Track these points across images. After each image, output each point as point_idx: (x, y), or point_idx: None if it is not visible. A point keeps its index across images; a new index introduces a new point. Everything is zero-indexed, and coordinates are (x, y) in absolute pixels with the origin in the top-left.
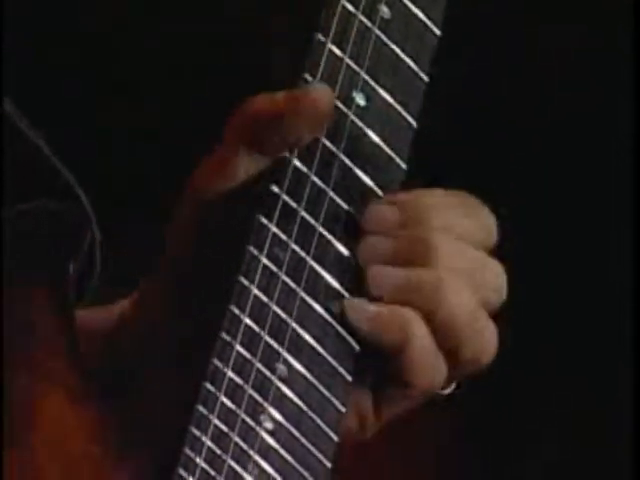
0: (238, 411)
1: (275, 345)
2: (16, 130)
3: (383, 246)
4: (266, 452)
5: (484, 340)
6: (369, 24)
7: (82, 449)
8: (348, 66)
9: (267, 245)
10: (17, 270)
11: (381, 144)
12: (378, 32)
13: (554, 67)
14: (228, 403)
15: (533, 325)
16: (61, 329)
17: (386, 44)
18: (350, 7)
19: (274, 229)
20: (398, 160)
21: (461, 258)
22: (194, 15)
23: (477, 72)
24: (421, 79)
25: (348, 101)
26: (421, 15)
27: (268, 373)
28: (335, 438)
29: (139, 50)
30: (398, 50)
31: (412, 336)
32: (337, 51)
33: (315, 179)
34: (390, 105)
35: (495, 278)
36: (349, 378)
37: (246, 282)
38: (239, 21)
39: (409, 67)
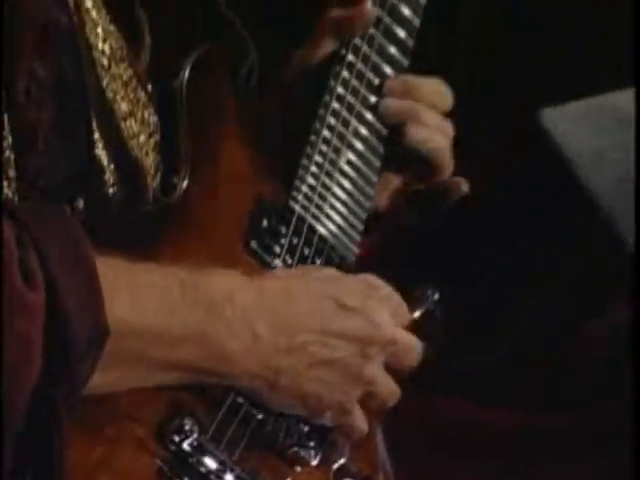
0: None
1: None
2: None
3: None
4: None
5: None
6: None
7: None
8: None
9: (342, 73)
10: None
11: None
12: None
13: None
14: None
15: None
16: (237, 108)
17: None
18: None
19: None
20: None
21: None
22: None
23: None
24: None
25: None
26: None
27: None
28: (375, 179)
29: None
30: None
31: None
32: None
33: (365, 49)
34: None
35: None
36: (378, 165)
37: (328, 97)
38: None
39: None
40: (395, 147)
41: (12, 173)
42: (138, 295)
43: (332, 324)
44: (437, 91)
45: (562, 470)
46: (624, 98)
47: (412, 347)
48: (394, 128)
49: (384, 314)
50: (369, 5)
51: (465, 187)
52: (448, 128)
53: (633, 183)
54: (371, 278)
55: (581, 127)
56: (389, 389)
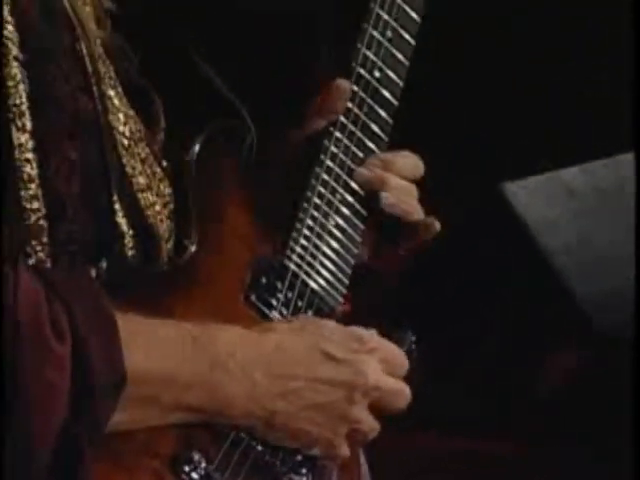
0: (323, 205)
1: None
2: (195, 67)
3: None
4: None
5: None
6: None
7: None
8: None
9: (331, 148)
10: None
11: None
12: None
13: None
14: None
15: None
16: (239, 178)
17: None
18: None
19: (332, 147)
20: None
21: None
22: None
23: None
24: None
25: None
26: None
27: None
28: (359, 239)
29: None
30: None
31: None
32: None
33: (350, 127)
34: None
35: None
36: (362, 227)
37: (319, 169)
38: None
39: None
40: (376, 212)
41: (45, 239)
42: (153, 347)
43: (321, 373)
44: (409, 163)
45: None
46: (572, 173)
47: (397, 392)
48: (370, 198)
49: (370, 363)
50: (340, 82)
51: (438, 226)
52: (413, 189)
53: (580, 246)
54: (360, 331)
55: (537, 198)
56: (371, 427)
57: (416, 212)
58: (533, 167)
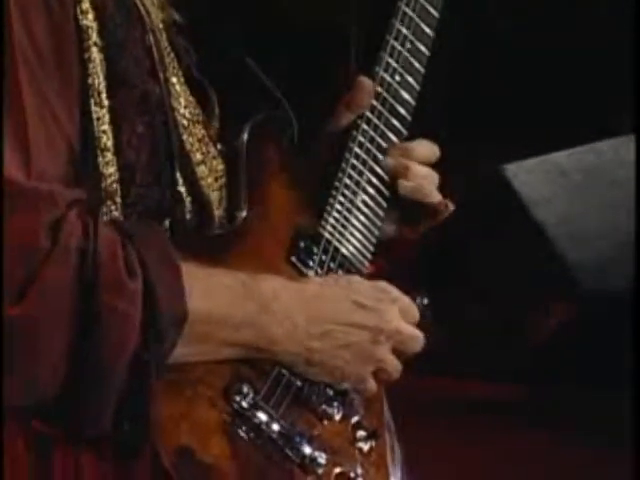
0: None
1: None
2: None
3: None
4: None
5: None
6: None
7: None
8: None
9: (358, 137)
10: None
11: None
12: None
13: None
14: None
15: None
16: (282, 160)
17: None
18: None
19: (360, 136)
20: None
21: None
22: None
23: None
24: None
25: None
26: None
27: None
28: (382, 214)
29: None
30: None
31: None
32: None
33: (375, 121)
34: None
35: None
36: (385, 204)
37: (348, 155)
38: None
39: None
40: (397, 197)
41: (118, 200)
42: (210, 291)
43: (351, 317)
44: (426, 150)
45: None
46: (564, 156)
47: (415, 337)
48: (394, 182)
49: (392, 311)
50: (364, 80)
51: (452, 207)
52: (433, 175)
53: (570, 217)
54: (383, 284)
55: (534, 178)
56: (394, 367)
57: (433, 196)
58: (531, 151)
